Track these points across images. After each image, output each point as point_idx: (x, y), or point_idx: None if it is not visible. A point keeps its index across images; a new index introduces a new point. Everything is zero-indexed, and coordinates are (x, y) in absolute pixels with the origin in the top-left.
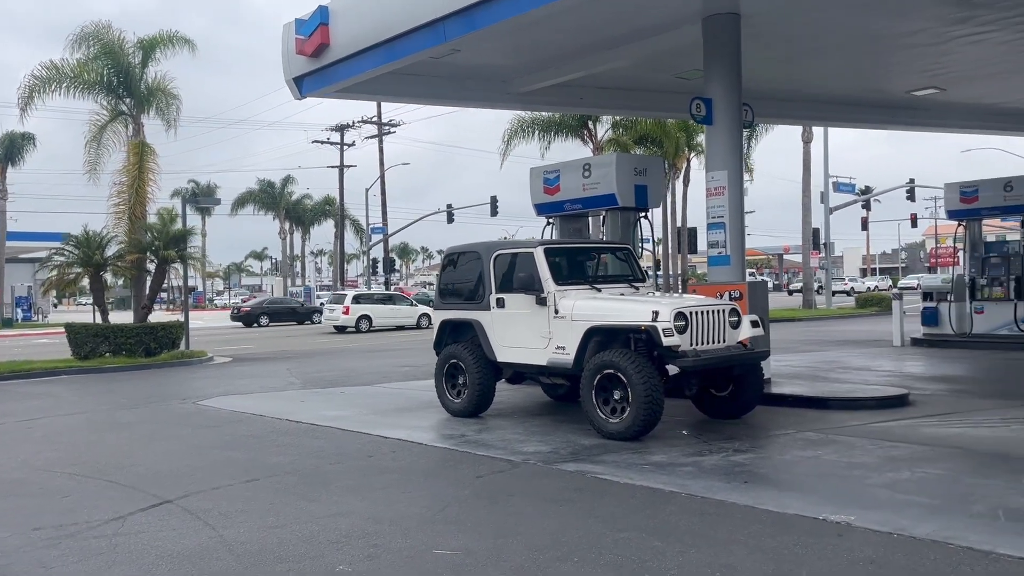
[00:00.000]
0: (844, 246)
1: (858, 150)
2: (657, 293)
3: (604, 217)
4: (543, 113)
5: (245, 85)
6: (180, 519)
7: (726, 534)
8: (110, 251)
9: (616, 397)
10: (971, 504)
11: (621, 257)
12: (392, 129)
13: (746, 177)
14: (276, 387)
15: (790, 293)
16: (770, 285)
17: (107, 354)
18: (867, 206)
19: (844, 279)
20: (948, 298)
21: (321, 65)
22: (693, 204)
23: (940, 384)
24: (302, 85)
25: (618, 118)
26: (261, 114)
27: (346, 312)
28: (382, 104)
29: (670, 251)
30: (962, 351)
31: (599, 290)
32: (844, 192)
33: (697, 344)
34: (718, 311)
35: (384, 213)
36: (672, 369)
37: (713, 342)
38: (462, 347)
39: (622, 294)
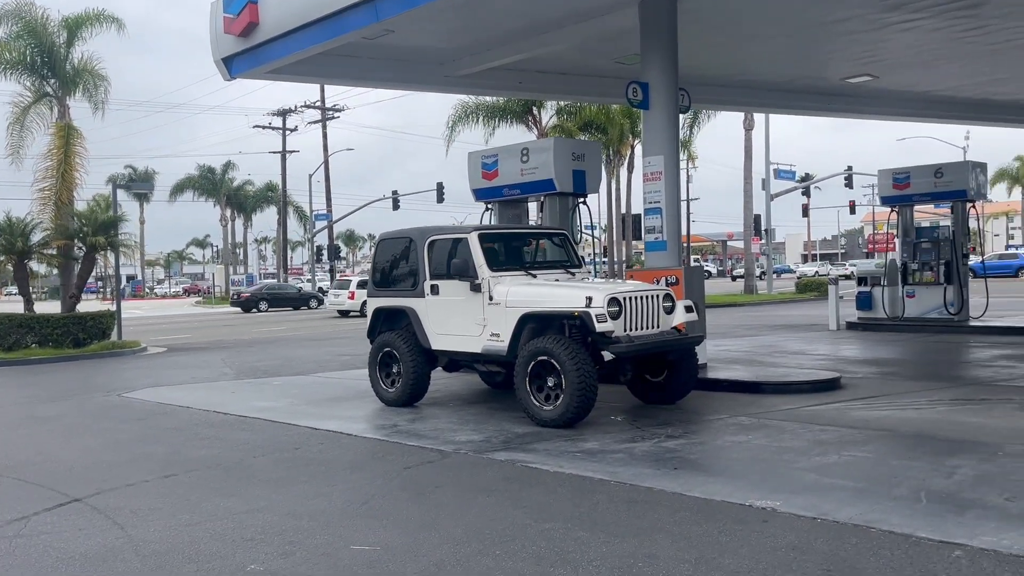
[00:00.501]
0: (786, 232)
1: (799, 138)
2: (595, 279)
3: (543, 202)
4: (487, 99)
5: (186, 68)
6: (88, 518)
7: (652, 522)
8: (35, 238)
9: (550, 384)
10: (894, 487)
11: (557, 243)
12: (336, 114)
13: (690, 164)
14: (208, 378)
15: (733, 279)
16: (714, 271)
17: (33, 345)
18: (807, 193)
19: (794, 268)
20: (881, 283)
21: (250, 45)
22: (638, 191)
23: (871, 367)
24: (231, 66)
25: (562, 104)
26: (201, 98)
27: (351, 297)
28: (326, 88)
29: (615, 238)
30: (894, 334)
31: (535, 276)
32: (784, 179)
33: (631, 329)
34: (652, 296)
35: (328, 199)
36: (607, 355)
37: (647, 327)
38: (396, 335)
39: (557, 280)
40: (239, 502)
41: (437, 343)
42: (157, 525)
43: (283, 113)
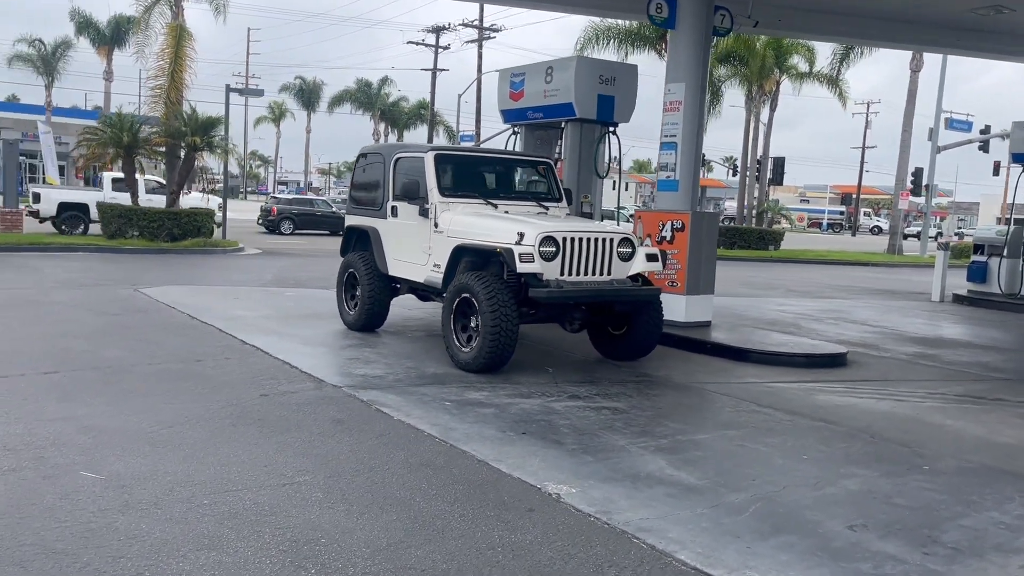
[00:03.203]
0: (981, 193)
1: (1002, 89)
2: (569, 216)
3: (563, 129)
4: (619, 21)
5: None
6: None
7: (410, 492)
8: (143, 134)
9: (473, 325)
10: (736, 492)
11: (541, 172)
12: (492, 34)
13: (868, 108)
14: (242, 282)
15: (904, 237)
16: (885, 227)
17: (134, 236)
18: (985, 147)
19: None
20: (1001, 253)
21: None
22: (781, 131)
23: (918, 347)
24: None
25: None
26: (374, 11)
27: None
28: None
29: (747, 182)
30: (1002, 314)
31: (495, 207)
32: (958, 130)
33: (570, 274)
34: (603, 240)
35: (478, 120)
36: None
37: (593, 273)
38: (358, 256)
39: (507, 212)
40: (62, 409)
41: (393, 268)
42: None
43: (437, 30)
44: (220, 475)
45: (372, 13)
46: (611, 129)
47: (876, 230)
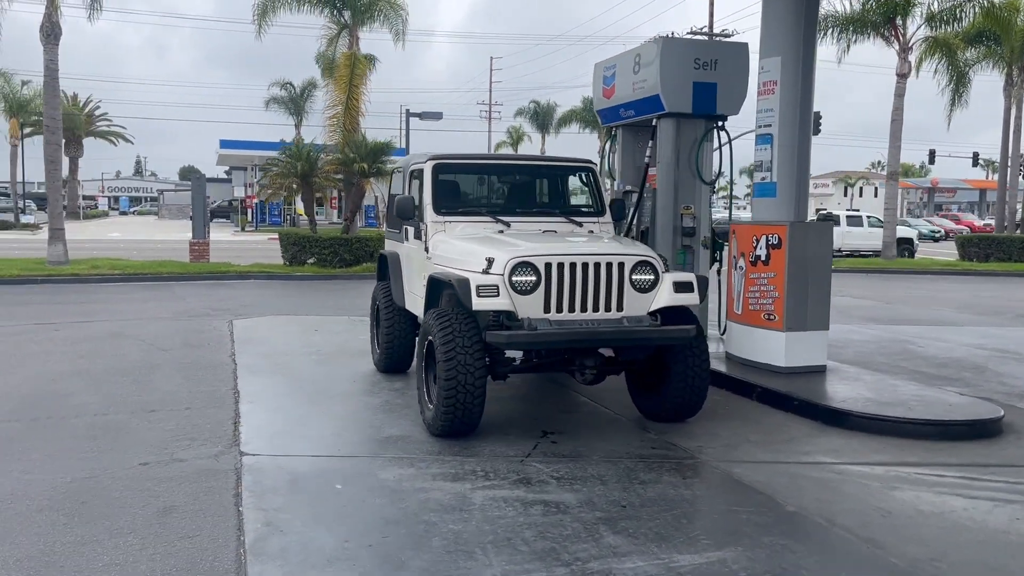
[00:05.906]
0: None
1: None
2: (611, 236)
3: (654, 127)
4: (838, 7)
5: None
6: None
7: None
8: (320, 163)
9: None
10: None
11: (584, 181)
12: (723, 40)
13: None
14: (355, 309)
15: None
16: None
17: (310, 262)
18: None
19: None
20: None
21: None
22: None
23: None
24: None
25: (934, 10)
26: (605, 29)
27: None
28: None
29: (1007, 182)
30: None
31: (507, 225)
32: None
33: (559, 310)
34: (607, 264)
35: None
36: None
37: (595, 308)
38: (380, 288)
39: (501, 232)
40: None
41: (408, 301)
42: None
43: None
44: None
45: (605, 31)
46: (718, 124)
47: None
